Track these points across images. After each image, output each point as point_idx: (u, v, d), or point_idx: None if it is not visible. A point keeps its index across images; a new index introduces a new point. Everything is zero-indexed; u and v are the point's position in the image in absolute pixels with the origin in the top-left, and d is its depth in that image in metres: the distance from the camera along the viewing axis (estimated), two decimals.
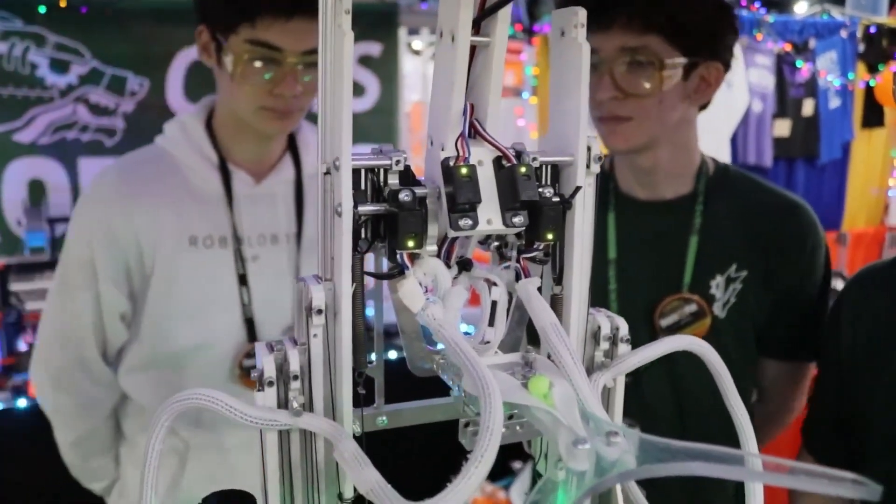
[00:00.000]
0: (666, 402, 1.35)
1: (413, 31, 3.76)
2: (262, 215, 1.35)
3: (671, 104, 1.25)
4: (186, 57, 2.90)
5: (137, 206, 1.30)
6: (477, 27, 0.51)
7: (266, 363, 0.50)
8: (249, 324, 1.34)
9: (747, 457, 0.38)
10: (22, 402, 2.30)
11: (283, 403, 0.51)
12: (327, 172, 0.50)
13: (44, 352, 1.40)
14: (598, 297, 1.33)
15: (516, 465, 2.75)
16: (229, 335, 1.33)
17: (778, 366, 1.39)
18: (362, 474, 0.43)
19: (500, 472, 2.76)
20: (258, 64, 1.22)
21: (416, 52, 4.12)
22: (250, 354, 1.33)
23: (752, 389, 1.40)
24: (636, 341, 1.44)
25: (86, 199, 1.36)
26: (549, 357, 0.50)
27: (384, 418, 0.62)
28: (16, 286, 2.69)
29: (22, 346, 2.61)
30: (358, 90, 3.11)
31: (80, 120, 2.81)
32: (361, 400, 0.56)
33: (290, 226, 1.38)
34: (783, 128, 4.27)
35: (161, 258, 1.30)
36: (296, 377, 0.51)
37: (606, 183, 1.39)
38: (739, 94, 3.98)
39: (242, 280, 1.33)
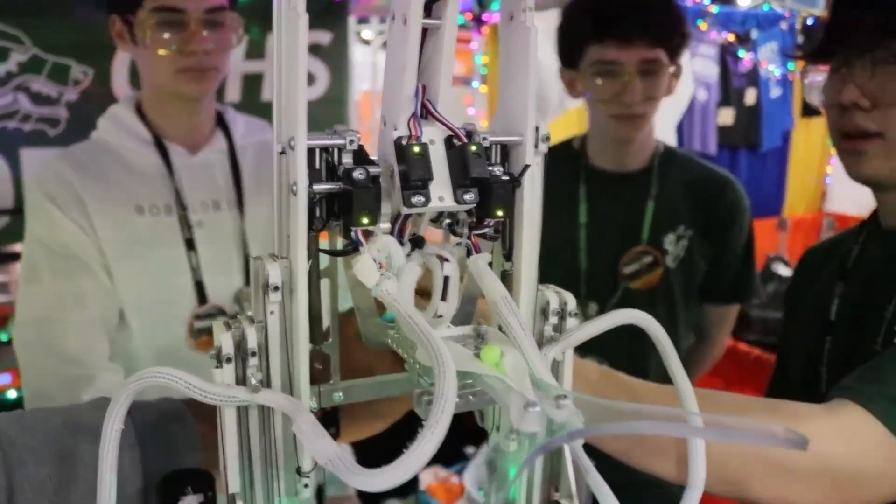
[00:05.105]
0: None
1: (363, 20, 3.74)
2: (201, 183, 1.45)
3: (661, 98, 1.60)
4: None
5: (82, 186, 1.37)
6: (428, 10, 0.52)
7: (224, 340, 0.51)
8: (199, 286, 1.42)
9: (689, 415, 0.40)
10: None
11: (242, 380, 0.52)
12: (282, 152, 0.51)
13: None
14: (569, 256, 1.65)
15: (469, 450, 2.77)
16: (182, 297, 1.41)
17: (714, 310, 1.76)
18: (320, 445, 0.44)
19: (453, 457, 2.78)
20: (166, 32, 1.32)
21: (366, 42, 4.10)
22: (199, 316, 1.42)
23: (691, 332, 1.74)
24: (604, 287, 1.62)
25: (31, 191, 1.41)
26: (500, 329, 0.51)
27: (340, 394, 0.63)
28: None
29: None
30: (308, 79, 3.09)
31: (22, 109, 2.73)
32: (318, 376, 0.57)
33: (229, 193, 1.47)
34: (727, 116, 4.36)
35: (112, 228, 1.37)
36: (253, 354, 0.51)
37: (578, 159, 1.69)
38: (684, 84, 4.06)
39: (190, 244, 1.42)
